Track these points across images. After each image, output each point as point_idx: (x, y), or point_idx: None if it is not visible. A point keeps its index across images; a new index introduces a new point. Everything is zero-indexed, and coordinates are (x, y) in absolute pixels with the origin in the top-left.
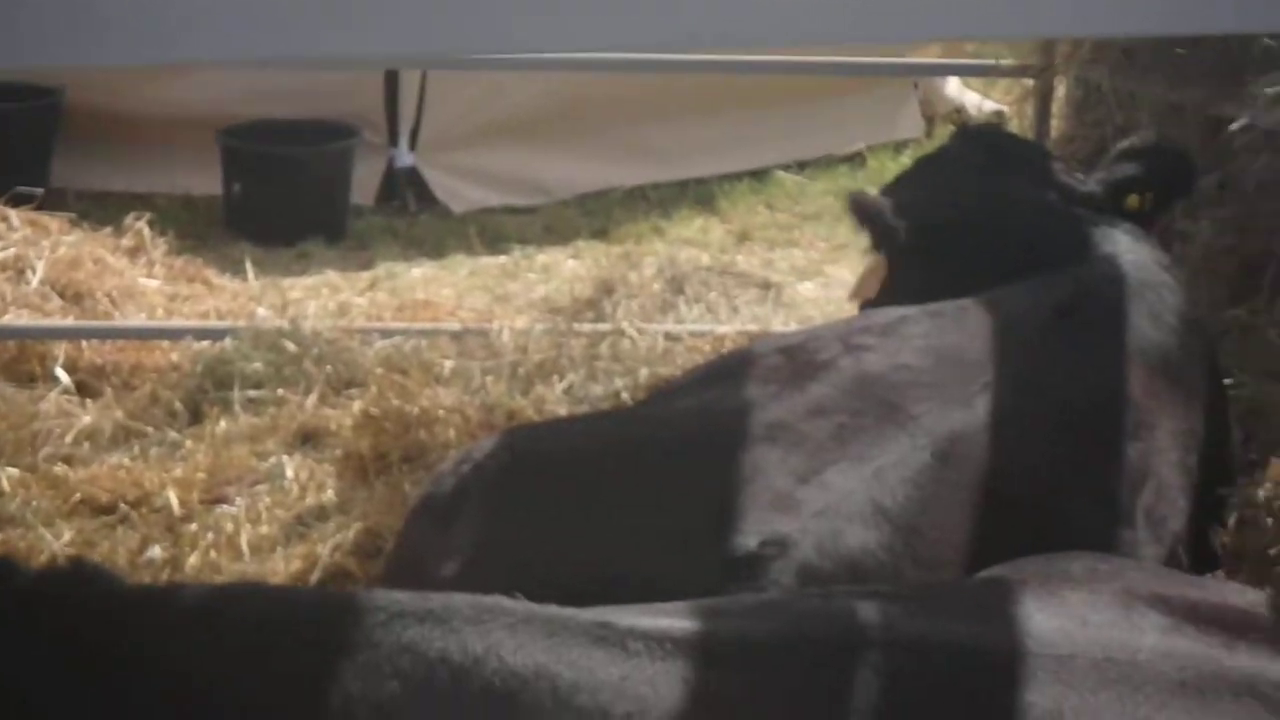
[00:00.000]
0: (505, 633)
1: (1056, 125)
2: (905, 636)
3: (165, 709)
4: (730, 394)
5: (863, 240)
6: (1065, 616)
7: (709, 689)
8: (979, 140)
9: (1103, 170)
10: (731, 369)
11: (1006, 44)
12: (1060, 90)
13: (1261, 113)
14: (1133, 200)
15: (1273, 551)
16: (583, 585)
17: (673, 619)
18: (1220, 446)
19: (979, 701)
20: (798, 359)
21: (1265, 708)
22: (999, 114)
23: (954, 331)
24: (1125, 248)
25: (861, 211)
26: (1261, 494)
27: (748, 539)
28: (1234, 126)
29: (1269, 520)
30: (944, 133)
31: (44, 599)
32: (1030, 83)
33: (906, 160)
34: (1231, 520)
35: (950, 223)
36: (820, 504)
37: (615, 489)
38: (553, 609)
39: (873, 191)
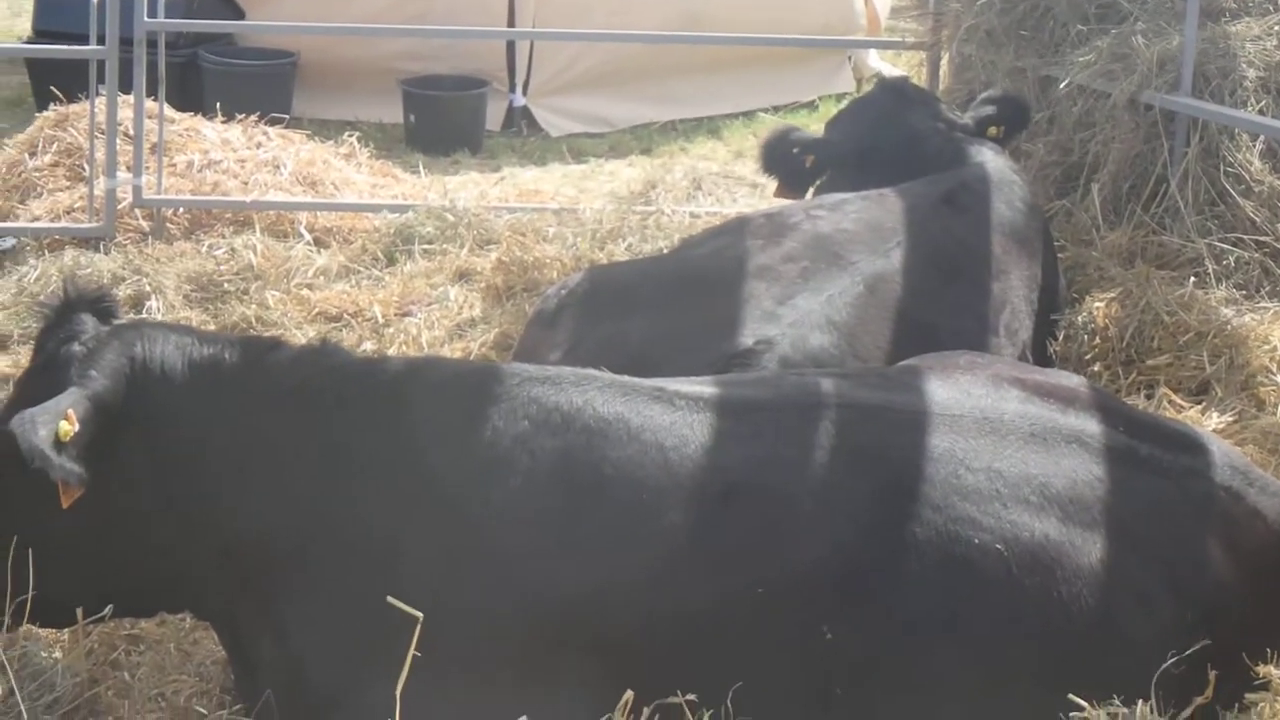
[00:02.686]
0: (596, 391)
1: (942, 82)
2: (853, 399)
3: (375, 428)
4: (732, 246)
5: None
6: (956, 389)
7: (726, 431)
8: (893, 88)
9: (973, 110)
10: (732, 230)
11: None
12: (944, 59)
13: (1076, 73)
14: (993, 130)
15: (1087, 356)
16: (638, 363)
17: (703, 386)
18: (1052, 286)
19: (900, 442)
20: (775, 223)
21: (1086, 450)
22: (904, 76)
23: (877, 208)
24: (989, 158)
25: (765, 163)
26: (1079, 319)
27: (745, 339)
28: (1062, 85)
29: (1083, 336)
30: (868, 87)
31: (303, 359)
32: (924, 54)
33: (843, 104)
34: (1060, 335)
35: (870, 143)
36: (792, 318)
37: (658, 304)
38: (624, 377)
39: (807, 130)
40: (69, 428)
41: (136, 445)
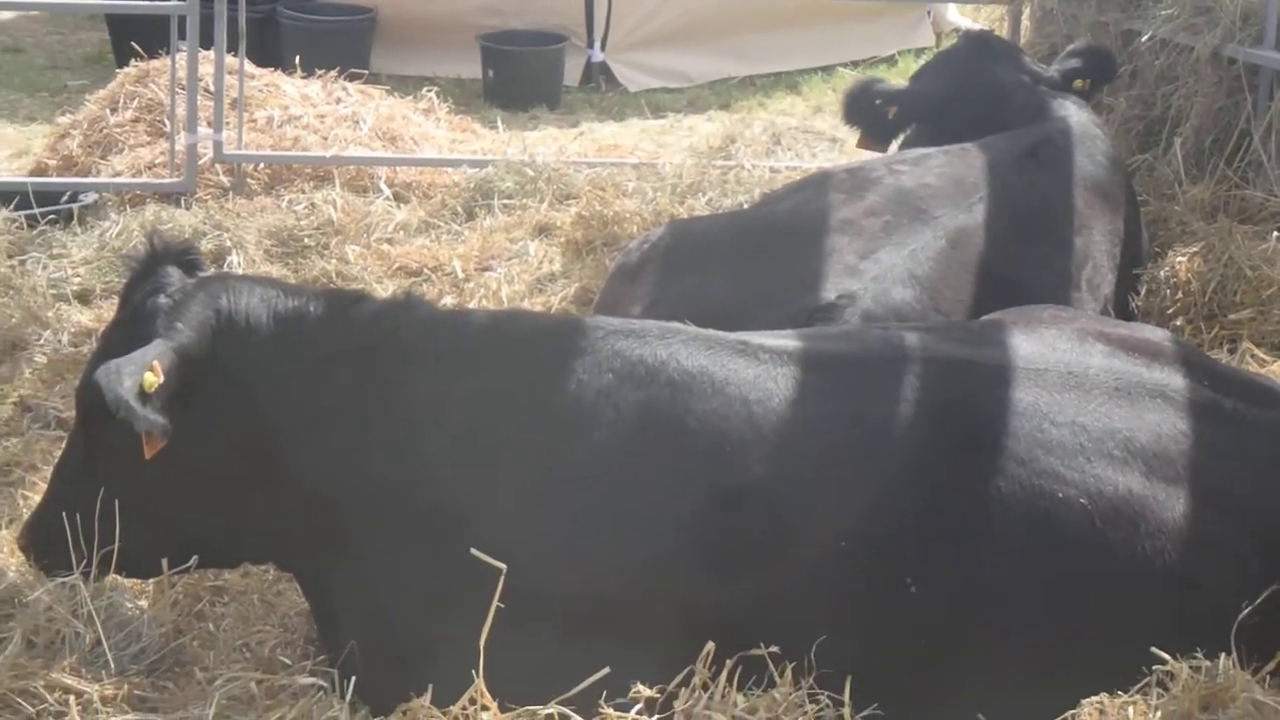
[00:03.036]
0: (680, 345)
1: (1023, 36)
2: (938, 353)
3: (460, 380)
4: (813, 200)
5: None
6: (1041, 344)
7: (811, 385)
8: (978, 40)
9: (1058, 64)
10: (814, 184)
11: None
12: (1025, 12)
13: (1158, 27)
14: (1078, 83)
15: (1169, 310)
16: (721, 317)
17: (787, 340)
18: (1135, 241)
19: (984, 396)
20: (857, 177)
21: (1170, 405)
22: (982, 30)
23: (959, 163)
24: (1073, 112)
25: (847, 113)
26: (1162, 273)
27: (829, 293)
28: (1144, 39)
29: (1166, 290)
30: (947, 42)
31: (388, 312)
32: (1004, 8)
33: (923, 60)
34: (1143, 290)
35: (954, 95)
36: (875, 272)
37: (740, 258)
38: (708, 331)
39: (891, 81)
40: (154, 379)
41: (221, 397)
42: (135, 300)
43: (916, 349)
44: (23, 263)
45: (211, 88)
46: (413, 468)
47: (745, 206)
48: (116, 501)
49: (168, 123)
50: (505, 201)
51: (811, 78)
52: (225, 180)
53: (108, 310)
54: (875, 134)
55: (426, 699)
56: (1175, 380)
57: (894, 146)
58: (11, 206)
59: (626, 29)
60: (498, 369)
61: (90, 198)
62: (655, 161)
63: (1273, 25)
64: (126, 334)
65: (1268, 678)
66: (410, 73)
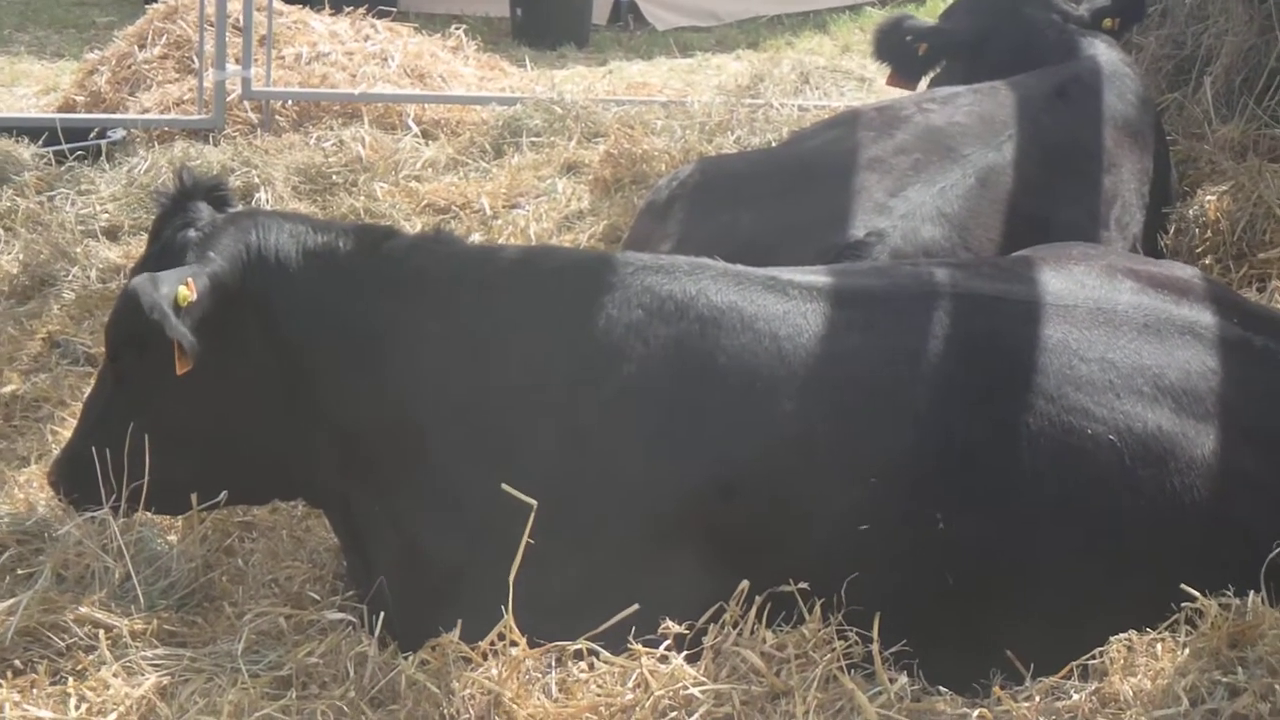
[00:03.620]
0: (709, 280)
1: None
2: (967, 289)
3: (490, 316)
4: (843, 138)
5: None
6: (1069, 280)
7: (840, 320)
8: None
9: (1088, 3)
10: (844, 122)
11: None
12: None
13: None
14: (1108, 22)
15: (1198, 249)
16: (750, 255)
17: (816, 275)
18: (1163, 180)
19: (1014, 332)
20: (887, 115)
21: (1199, 342)
22: None
23: (989, 101)
24: (1102, 51)
25: (878, 49)
26: (1190, 212)
27: (858, 231)
28: None
29: (1194, 229)
30: None
31: (419, 247)
32: None
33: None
34: (1171, 229)
35: (985, 33)
36: (904, 210)
37: (770, 195)
38: (738, 266)
39: (922, 19)
40: (188, 294)
41: (253, 330)
42: (165, 235)
43: (946, 284)
44: (51, 199)
45: (240, 24)
46: (443, 401)
47: (774, 145)
48: (146, 436)
49: (196, 59)
50: (533, 139)
51: (839, 17)
52: (253, 117)
53: (136, 247)
54: (905, 71)
55: (455, 634)
56: (1205, 317)
57: (923, 85)
58: (40, 142)
59: None
60: (528, 303)
61: (118, 134)
62: (684, 100)
63: None
64: (157, 268)
65: None
66: (439, 10)
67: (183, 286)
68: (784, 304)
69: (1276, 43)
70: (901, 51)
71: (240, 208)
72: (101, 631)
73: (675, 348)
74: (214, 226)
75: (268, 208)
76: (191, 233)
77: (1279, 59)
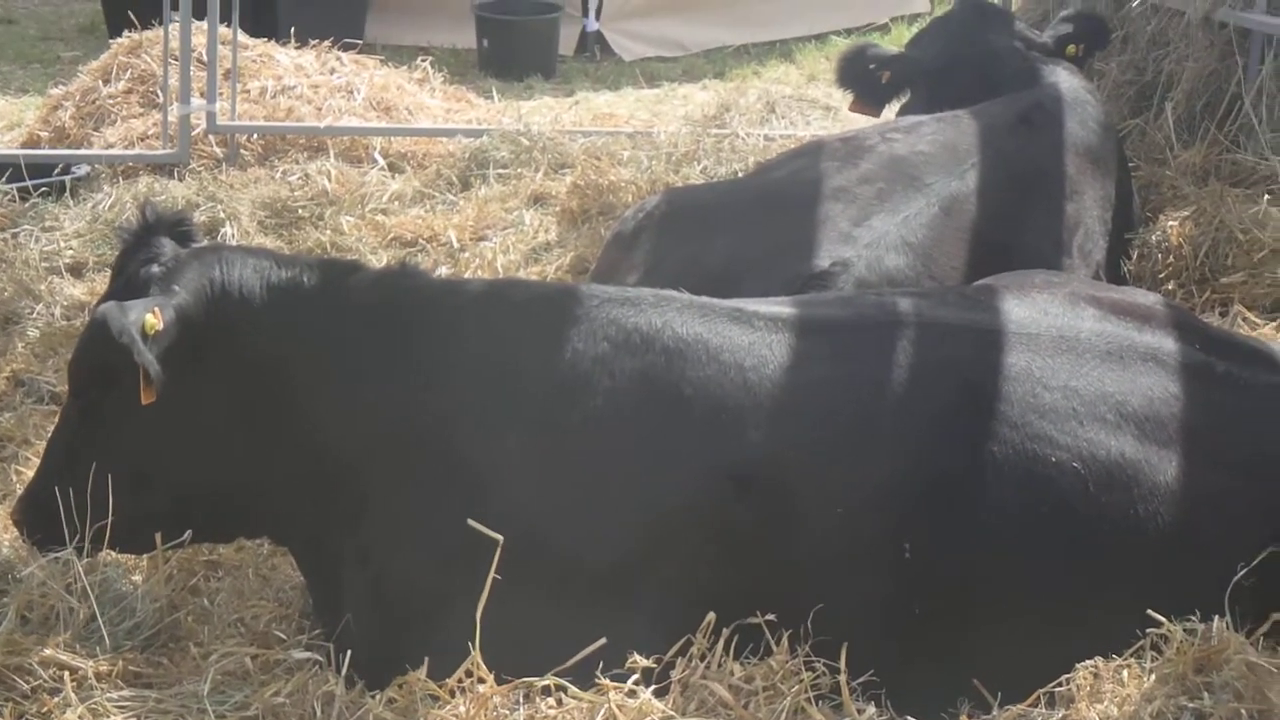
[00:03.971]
0: (675, 312)
1: (1016, 2)
2: (931, 318)
3: (456, 350)
4: (808, 168)
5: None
6: (1033, 308)
7: (805, 351)
8: (972, 6)
9: (1050, 29)
10: (808, 152)
11: None
12: None
13: None
14: (1071, 49)
15: (1161, 274)
16: (716, 285)
17: (781, 306)
18: (1126, 206)
19: (980, 360)
20: (851, 145)
21: (1162, 368)
22: None
23: (952, 130)
24: (1064, 78)
25: (840, 77)
26: (1153, 238)
27: (823, 261)
28: (1136, 3)
29: (1157, 255)
30: (941, 9)
31: (384, 281)
32: None
33: (917, 29)
34: (1135, 255)
35: (949, 61)
36: (868, 239)
37: (736, 226)
38: (703, 298)
39: (886, 47)
40: (155, 322)
41: (217, 367)
42: (129, 271)
43: (910, 314)
44: (15, 235)
45: (205, 58)
46: (409, 438)
47: (740, 175)
48: (110, 475)
49: (161, 94)
50: (500, 171)
51: (806, 46)
52: (219, 151)
53: (100, 283)
54: (868, 99)
55: (423, 672)
56: (1167, 344)
57: (888, 112)
58: (4, 179)
59: None
60: (494, 337)
61: (83, 169)
62: (650, 130)
63: None
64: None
65: (1261, 639)
66: (405, 42)
67: (150, 315)
68: (749, 335)
69: (1237, 68)
70: (865, 79)
71: (204, 243)
72: (66, 673)
73: (641, 380)
74: (177, 262)
75: (233, 243)
76: (155, 268)
77: (1239, 84)
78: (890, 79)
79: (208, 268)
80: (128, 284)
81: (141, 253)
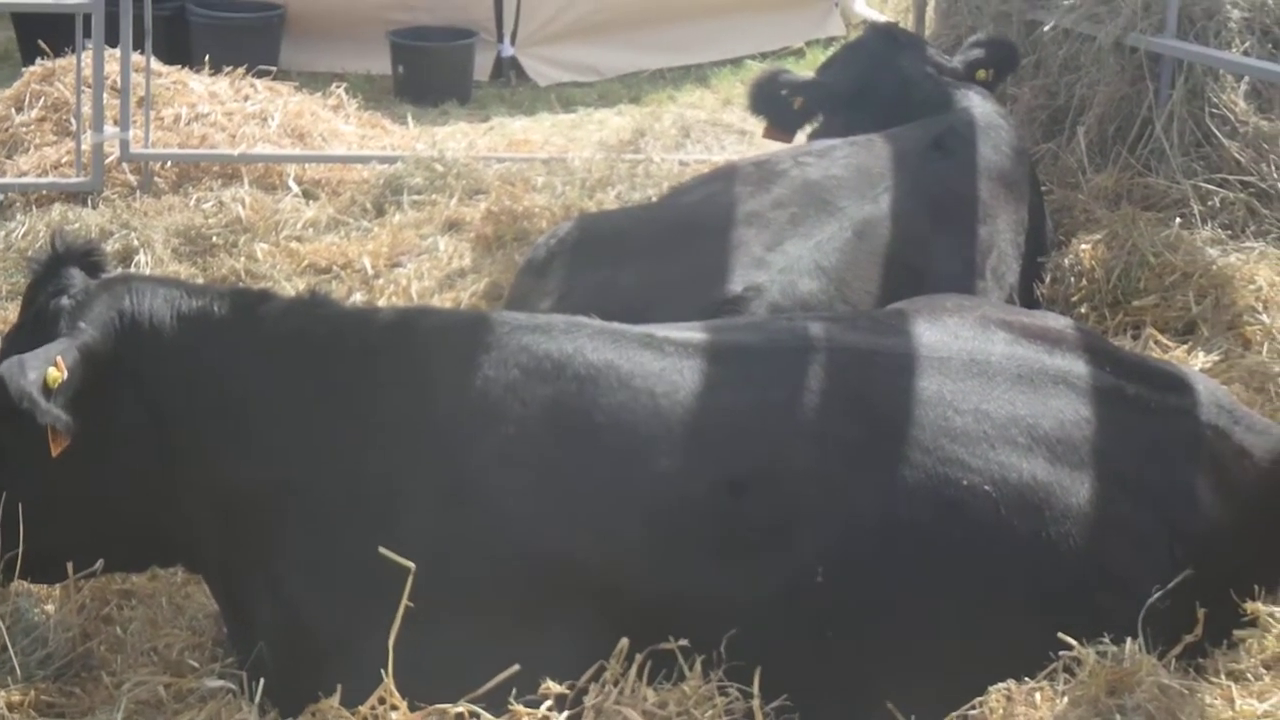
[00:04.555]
0: (586, 339)
1: (929, 27)
2: (842, 343)
3: (367, 378)
4: (721, 193)
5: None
6: (944, 332)
7: (717, 376)
8: (883, 32)
9: (961, 54)
10: (721, 177)
11: None
12: (930, 4)
13: (1061, 17)
14: (982, 74)
15: (1074, 298)
16: (629, 311)
17: (692, 332)
18: (1039, 229)
19: (888, 384)
20: (764, 170)
21: (1073, 391)
22: (888, 21)
23: (865, 154)
24: (976, 103)
25: (753, 103)
26: (1066, 261)
27: (735, 286)
28: (1047, 29)
29: (1070, 278)
30: (855, 33)
31: (293, 310)
32: (910, 0)
33: (832, 51)
34: (1048, 278)
35: (860, 87)
36: (782, 264)
37: (648, 251)
38: (614, 324)
39: (798, 72)
40: (57, 374)
41: (127, 398)
42: (38, 302)
43: (821, 339)
44: None
45: (119, 86)
46: (319, 466)
47: (654, 200)
48: (21, 505)
49: (74, 122)
50: (415, 197)
51: (721, 70)
52: (133, 179)
53: (13, 312)
54: (781, 124)
55: (335, 700)
56: (1077, 367)
57: (801, 137)
58: None
59: (536, 24)
60: (405, 365)
61: None
62: (565, 156)
63: (1173, 14)
64: (29, 336)
65: (1174, 661)
66: (320, 69)
67: (51, 368)
68: (660, 361)
69: (1148, 92)
70: (777, 105)
71: (115, 273)
72: None
73: (553, 407)
74: (87, 293)
75: (146, 271)
76: (64, 300)
77: (1150, 108)
78: (802, 105)
79: (117, 299)
80: (36, 316)
81: (51, 284)
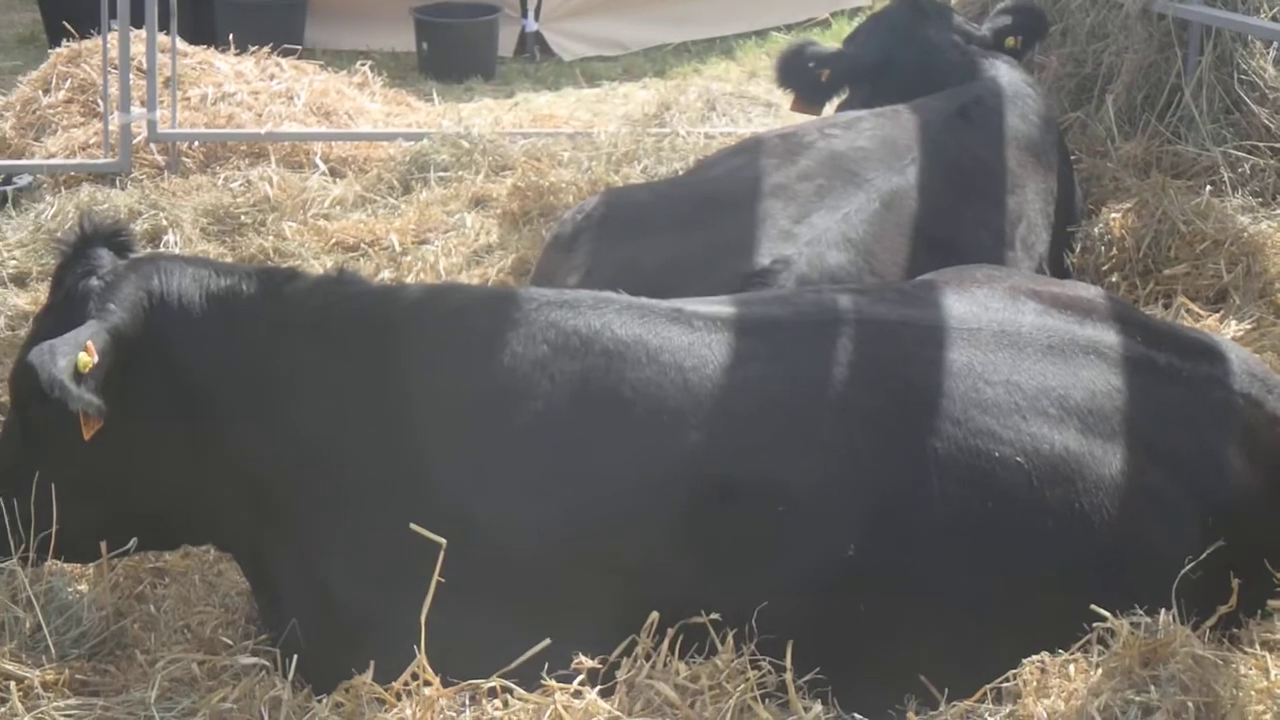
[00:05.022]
0: (614, 314)
1: None
2: (871, 315)
3: (395, 355)
4: (747, 166)
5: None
6: (973, 303)
7: (745, 350)
8: (909, 2)
9: (989, 22)
10: (747, 150)
11: None
12: None
13: None
14: (1010, 41)
15: (1104, 267)
16: (656, 285)
17: (720, 306)
18: (1068, 199)
19: (920, 357)
20: (790, 142)
21: (1104, 361)
22: None
23: (891, 125)
24: (1004, 72)
25: (780, 76)
26: (1096, 230)
27: (763, 259)
28: None
29: (1100, 247)
30: (882, 3)
31: (321, 288)
32: None
33: (858, 23)
34: (1078, 247)
35: (887, 57)
36: (809, 236)
37: (675, 226)
38: (642, 299)
39: (825, 44)
40: (88, 359)
41: (157, 377)
42: (67, 284)
43: (850, 311)
44: None
45: (144, 66)
46: (349, 444)
47: (680, 173)
48: (54, 485)
49: (101, 103)
50: (441, 174)
51: (745, 42)
52: (160, 159)
53: (44, 293)
54: (809, 97)
55: (369, 675)
56: (1108, 336)
57: (829, 109)
58: None
59: None
60: (433, 342)
61: (25, 180)
62: (590, 131)
63: None
64: (59, 318)
65: (1208, 632)
66: (345, 47)
67: (82, 353)
68: (689, 336)
69: (1176, 59)
70: (804, 78)
71: (143, 253)
72: (13, 683)
73: (581, 382)
74: (115, 274)
75: (176, 250)
76: (94, 281)
77: (1179, 75)
78: (829, 77)
79: (145, 279)
80: (66, 297)
81: (80, 265)
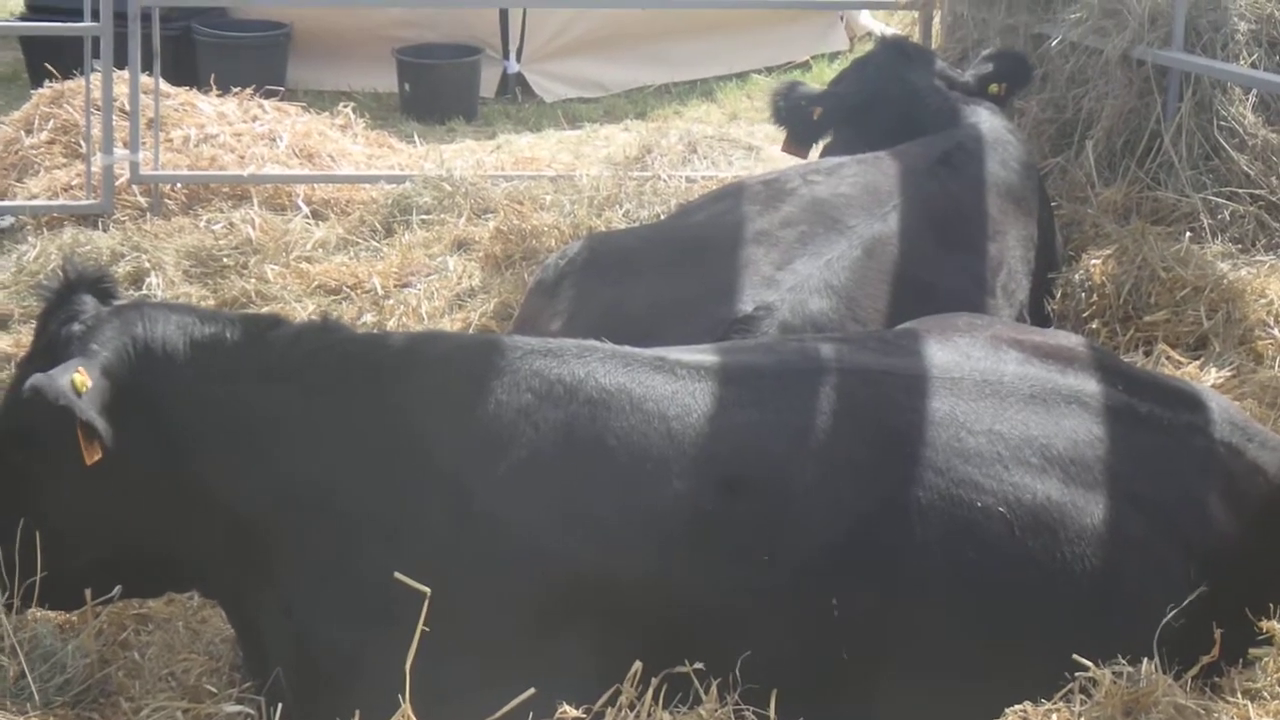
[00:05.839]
0: (597, 362)
1: (935, 41)
2: (853, 364)
3: (378, 403)
4: (730, 211)
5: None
6: (955, 352)
7: (728, 399)
8: (894, 46)
9: (974, 68)
10: (730, 195)
11: None
12: (936, 17)
13: (1068, 30)
14: (994, 88)
15: (1085, 313)
16: (639, 331)
17: (704, 354)
18: (1049, 245)
19: (901, 405)
20: (773, 188)
21: (1085, 410)
22: (898, 35)
23: (873, 172)
24: (985, 118)
25: (776, 113)
26: (1076, 276)
27: (746, 305)
28: (1054, 42)
29: (1081, 293)
30: (862, 48)
31: (304, 336)
32: (916, 13)
33: (838, 66)
34: (1058, 294)
35: (872, 101)
36: (791, 283)
37: (658, 271)
38: (626, 348)
39: (812, 85)
40: (83, 380)
41: (141, 424)
42: (50, 330)
43: (832, 360)
44: None
45: (127, 108)
46: (335, 491)
47: (662, 218)
48: (38, 532)
49: (84, 144)
50: (423, 217)
51: (726, 84)
52: (143, 201)
53: (27, 335)
54: (799, 136)
55: None
56: (1090, 385)
57: (813, 154)
58: None
59: (541, 40)
60: (417, 390)
61: (7, 221)
62: (572, 174)
63: (1180, 26)
64: (43, 365)
65: (1190, 681)
66: (327, 87)
67: (76, 374)
68: (672, 384)
69: (1156, 106)
70: (798, 115)
71: (126, 299)
72: None
73: (565, 431)
74: (98, 320)
75: (157, 294)
76: (76, 327)
77: (1158, 121)
78: (821, 115)
79: (129, 325)
80: (49, 344)
81: (63, 311)
